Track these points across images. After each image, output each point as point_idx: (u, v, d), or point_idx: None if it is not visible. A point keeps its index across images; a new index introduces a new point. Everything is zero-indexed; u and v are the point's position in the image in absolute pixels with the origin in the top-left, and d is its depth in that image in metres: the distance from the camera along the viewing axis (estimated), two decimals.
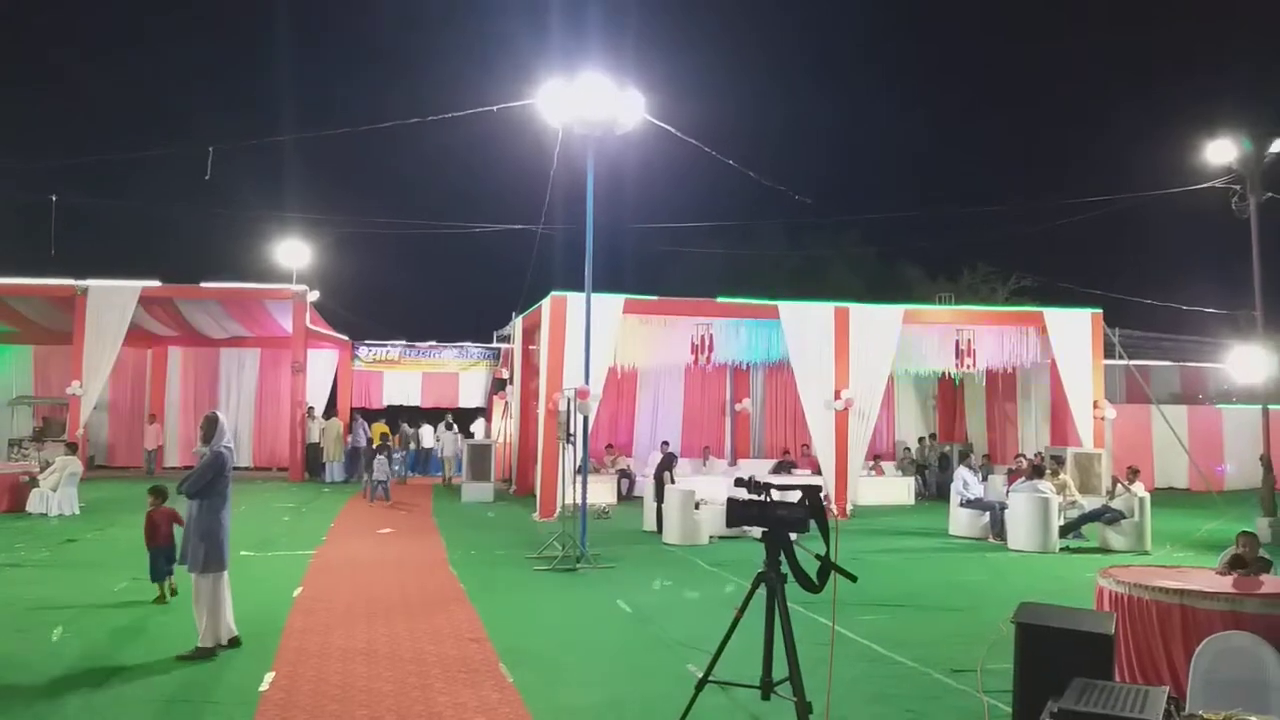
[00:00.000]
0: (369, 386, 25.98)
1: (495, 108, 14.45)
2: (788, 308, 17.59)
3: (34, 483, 15.24)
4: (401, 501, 18.07)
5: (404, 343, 26.37)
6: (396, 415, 24.97)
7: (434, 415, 25.08)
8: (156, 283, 20.87)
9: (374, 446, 20.09)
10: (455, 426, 23.38)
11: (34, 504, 14.89)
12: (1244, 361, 17.71)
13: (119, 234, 34.75)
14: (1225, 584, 6.51)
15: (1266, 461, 15.26)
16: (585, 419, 12.96)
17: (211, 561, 7.08)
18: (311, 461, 22.53)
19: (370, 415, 25.09)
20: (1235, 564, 6.86)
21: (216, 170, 15.97)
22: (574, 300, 15.57)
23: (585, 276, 13.22)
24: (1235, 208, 16.01)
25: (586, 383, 13.14)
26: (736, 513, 4.18)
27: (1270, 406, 16.27)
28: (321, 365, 24.87)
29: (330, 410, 24.38)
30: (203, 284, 21.73)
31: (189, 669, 6.55)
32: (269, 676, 6.33)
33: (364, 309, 30.39)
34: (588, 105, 12.36)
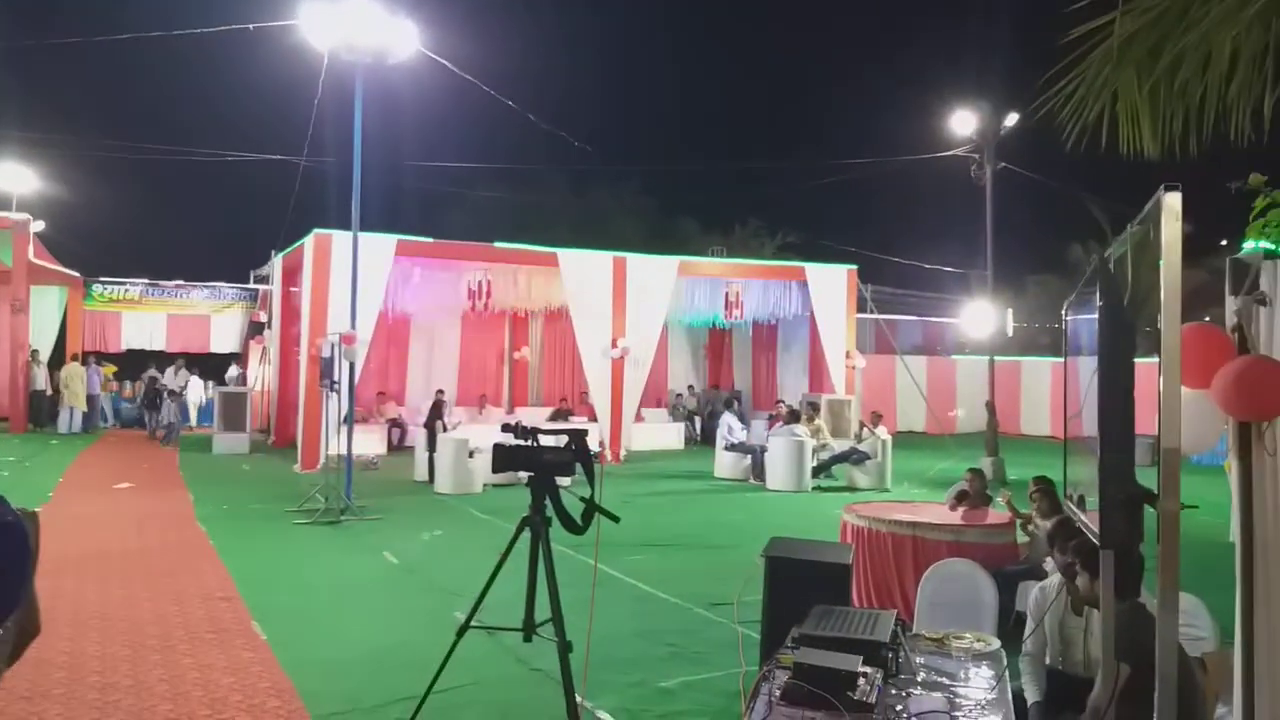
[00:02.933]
0: (104, 328, 23.48)
1: (251, 25, 13.29)
2: (568, 255, 17.59)
3: None
4: (141, 452, 16.63)
5: (146, 281, 23.99)
6: (141, 361, 22.82)
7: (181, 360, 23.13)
8: None
9: (161, 389, 18.86)
10: (195, 371, 21.76)
11: None
12: (975, 317, 19.60)
13: None
14: (952, 516, 7.21)
15: (991, 407, 17.02)
16: (352, 365, 12.41)
17: None
18: (37, 411, 20.21)
19: (105, 360, 22.77)
20: (961, 498, 7.59)
21: None
22: (340, 239, 14.79)
23: (352, 214, 12.58)
24: (974, 175, 17.53)
25: (353, 327, 12.56)
26: (503, 458, 4.10)
27: (995, 358, 18.14)
28: (47, 304, 22.21)
29: (58, 354, 21.83)
30: None
31: None
32: None
33: (99, 242, 27.36)
34: (355, 30, 11.64)
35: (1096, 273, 2.92)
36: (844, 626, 3.12)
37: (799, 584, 4.04)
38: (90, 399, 21.09)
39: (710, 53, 62.46)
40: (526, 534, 4.18)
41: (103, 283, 23.31)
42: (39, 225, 20.45)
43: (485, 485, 13.14)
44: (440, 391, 17.03)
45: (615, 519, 4.09)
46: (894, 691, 2.88)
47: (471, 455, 13.10)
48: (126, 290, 23.60)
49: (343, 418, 12.22)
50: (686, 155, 51.77)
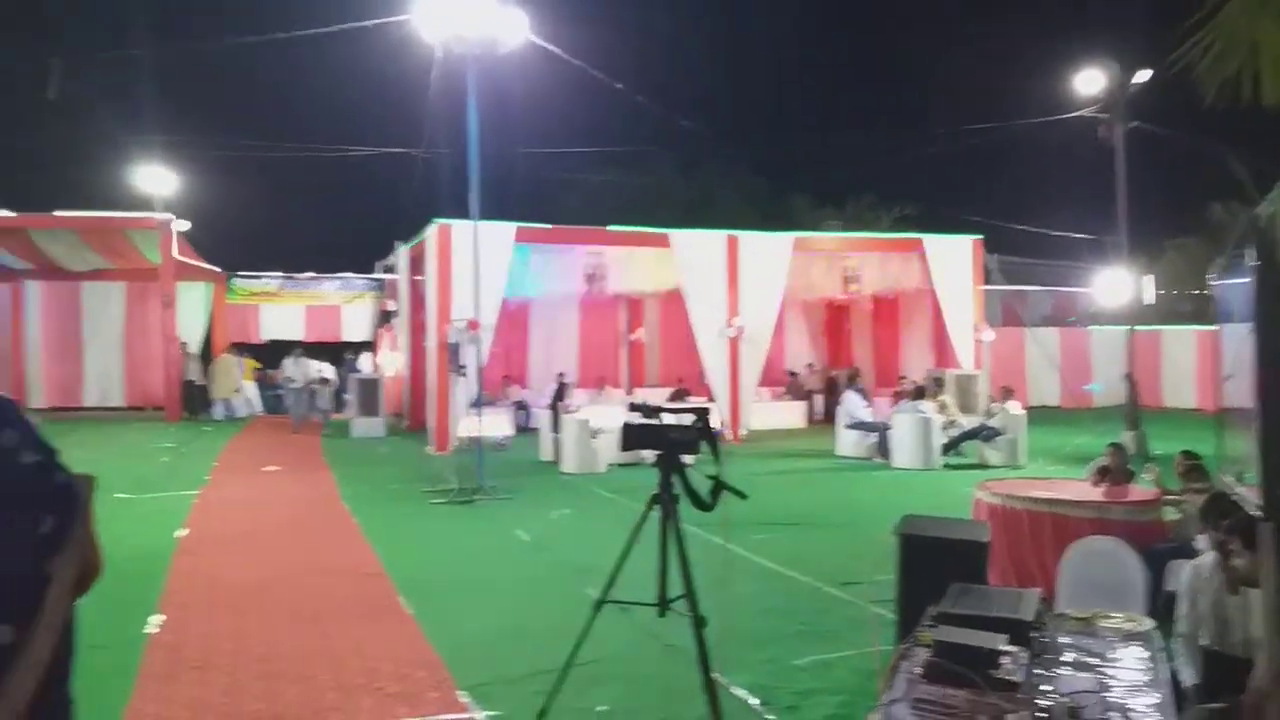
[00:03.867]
0: (246, 321, 24.90)
1: (370, 23, 13.76)
2: (679, 236, 17.61)
3: None
4: (287, 438, 17.58)
5: (282, 274, 25.31)
6: (282, 350, 24.10)
7: (318, 349, 24.28)
8: (9, 213, 19.36)
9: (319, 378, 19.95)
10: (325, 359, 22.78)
11: None
12: (1110, 285, 18.69)
13: None
14: (1093, 493, 6.95)
15: (1130, 379, 16.24)
16: (478, 350, 12.80)
17: None
18: (189, 400, 21.62)
19: (247, 351, 24.15)
20: (1103, 474, 7.30)
21: (70, 88, 14.77)
22: (460, 228, 15.20)
23: (471, 203, 12.90)
24: (1102, 136, 16.68)
25: (477, 313, 12.93)
26: (631, 436, 4.20)
27: (1134, 328, 17.28)
28: (194, 299, 23.68)
29: (207, 346, 23.35)
30: (57, 213, 20.26)
31: None
32: (156, 619, 6.12)
33: (238, 239, 28.93)
34: (466, 22, 11.90)
35: (1247, 234, 2.77)
36: (985, 605, 3.07)
37: (934, 562, 4.00)
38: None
39: (817, 23, 61.11)
40: (656, 511, 4.25)
41: (243, 277, 24.72)
42: (183, 225, 21.76)
43: (609, 465, 13.37)
44: (562, 374, 17.39)
45: (743, 496, 4.13)
46: (1040, 671, 2.83)
47: (594, 436, 13.34)
48: (265, 284, 24.96)
49: (472, 401, 12.63)
50: (797, 130, 50.92)
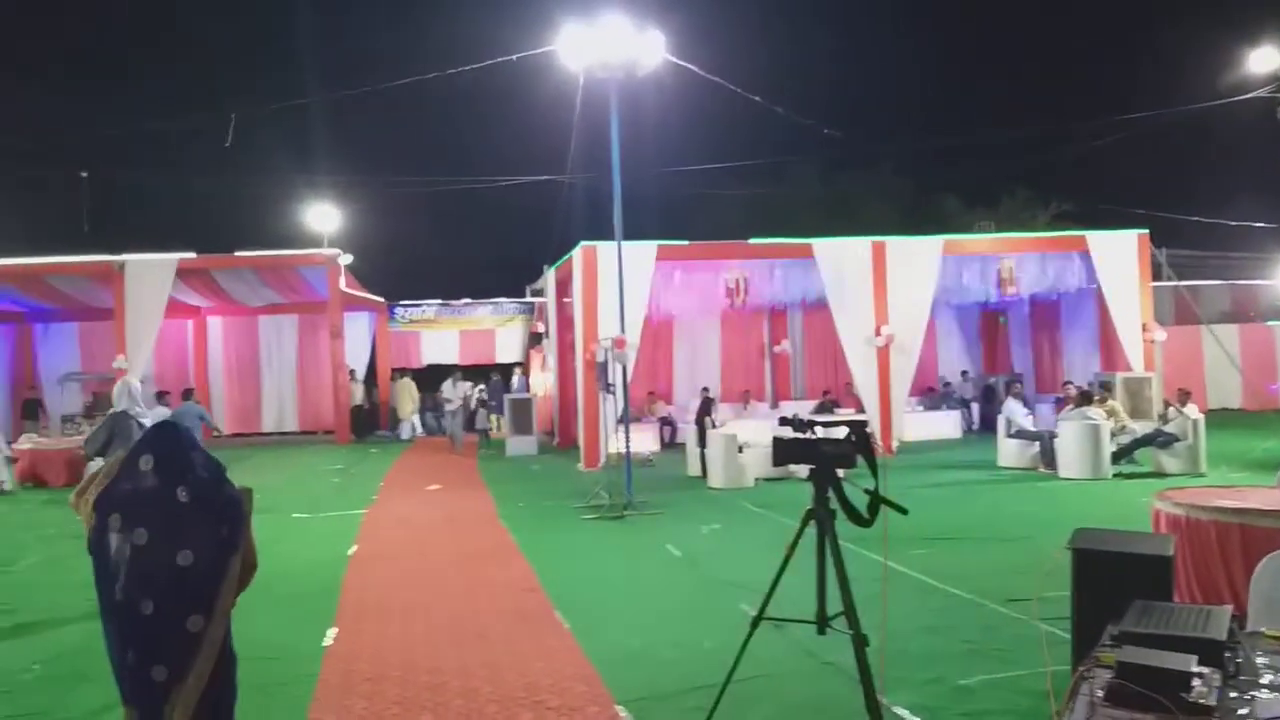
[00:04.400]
0: (408, 347, 26.21)
1: (515, 56, 14.25)
2: (822, 245, 17.35)
3: (90, 457, 15.61)
4: (447, 458, 18.27)
5: (439, 302, 26.52)
6: (440, 374, 25.23)
7: (473, 372, 25.28)
8: (192, 254, 21.08)
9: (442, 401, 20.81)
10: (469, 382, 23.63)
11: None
12: None
13: (152, 207, 35.08)
14: None
15: None
16: (624, 368, 12.96)
17: None
18: (357, 423, 22.89)
19: (408, 374, 25.47)
20: None
21: (245, 138, 15.96)
22: (604, 250, 15.51)
23: (615, 224, 13.12)
24: None
25: (622, 332, 13.11)
26: (783, 451, 4.13)
27: None
28: (359, 328, 25.10)
29: (371, 371, 24.78)
30: (236, 253, 21.91)
31: (251, 627, 6.68)
32: (332, 632, 6.47)
33: (398, 270, 30.53)
34: (608, 48, 12.15)
35: None
36: (1170, 623, 2.86)
37: (1112, 578, 3.75)
38: (395, 412, 23.99)
39: (958, 15, 59.04)
40: (811, 526, 4.18)
41: (403, 305, 26.06)
42: (348, 259, 23.10)
43: (756, 480, 13.26)
44: (706, 389, 17.40)
45: (903, 510, 4.00)
46: (1235, 694, 2.61)
47: (741, 450, 13.27)
48: (423, 311, 26.22)
49: (619, 418, 12.81)
50: (942, 130, 49.31)
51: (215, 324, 24.80)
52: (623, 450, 12.31)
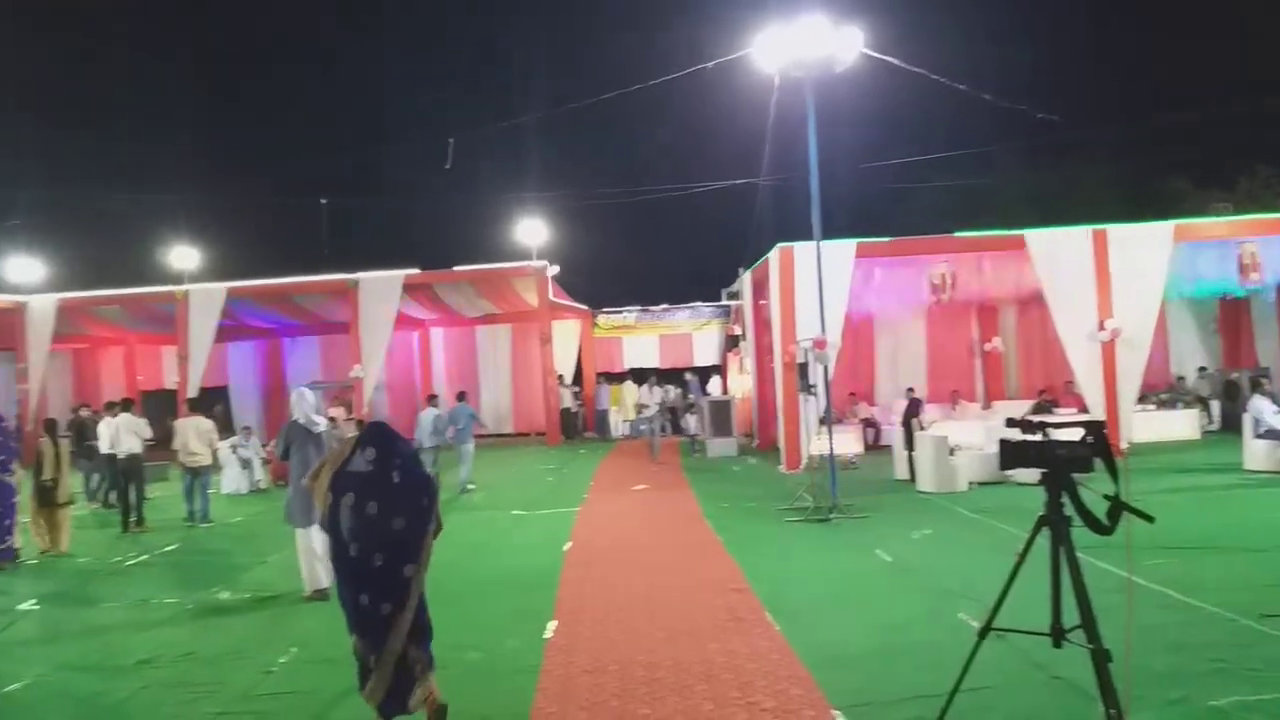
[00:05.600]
0: (611, 352, 27.02)
1: (711, 64, 14.37)
2: (1036, 236, 16.38)
3: (281, 459, 17.06)
4: (651, 461, 18.66)
5: (639, 308, 27.15)
6: (640, 379, 25.89)
7: (671, 376, 25.75)
8: (416, 270, 22.65)
9: (683, 404, 21.28)
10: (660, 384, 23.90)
11: None
12: None
13: (382, 229, 37.94)
14: None
15: None
16: (825, 369, 12.79)
17: (291, 516, 7.91)
18: (566, 426, 23.86)
19: (611, 379, 26.30)
20: None
21: (462, 160, 16.97)
22: (801, 250, 15.38)
23: (813, 224, 12.96)
24: None
25: (823, 332, 12.94)
26: (1011, 454, 3.95)
27: None
28: (566, 335, 26.13)
29: (577, 376, 25.82)
30: (455, 268, 23.34)
31: (474, 619, 7.12)
32: (552, 625, 6.80)
33: (601, 278, 31.56)
34: (804, 46, 12.04)
35: None
36: None
37: None
38: (601, 414, 24.79)
39: None
40: (1044, 534, 3.99)
41: (606, 313, 26.90)
42: (554, 270, 24.07)
43: (970, 484, 12.73)
44: (911, 389, 16.85)
45: (1149, 518, 3.75)
46: None
47: (953, 453, 12.78)
48: (624, 317, 26.95)
49: (821, 419, 12.65)
50: (1165, 107, 45.20)
51: (437, 334, 26.55)
52: (824, 452, 12.15)
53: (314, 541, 7.89)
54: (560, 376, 24.57)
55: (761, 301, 19.53)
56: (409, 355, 26.37)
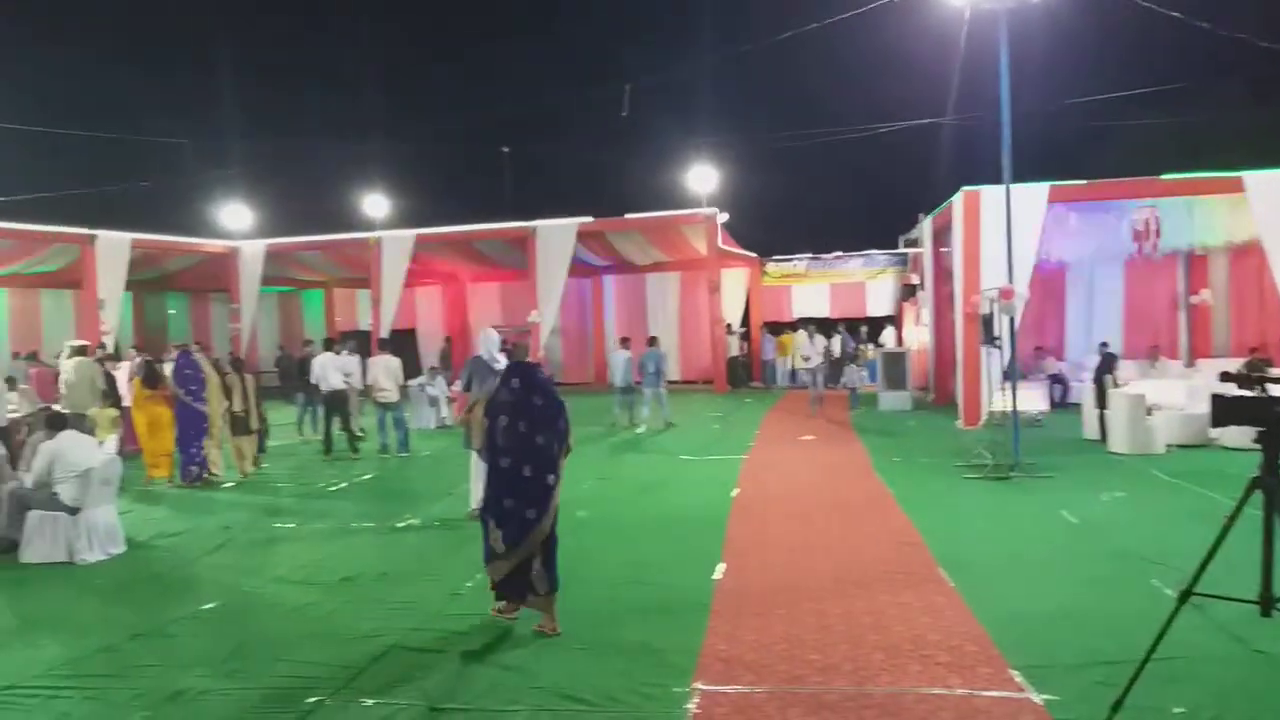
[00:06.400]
0: (779, 301, 26.72)
1: None
2: (1256, 179, 14.87)
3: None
4: (820, 411, 18.43)
5: (810, 255, 26.64)
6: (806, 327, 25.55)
7: (834, 327, 25.29)
8: (590, 219, 23.08)
9: (845, 354, 20.93)
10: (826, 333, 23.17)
11: None
12: None
13: (559, 177, 38.76)
14: None
15: None
16: (1011, 321, 12.18)
17: (468, 441, 8.14)
18: (732, 374, 23.90)
19: (779, 328, 26.06)
20: None
21: (637, 106, 17.06)
22: (988, 194, 14.62)
23: (1003, 166, 12.26)
24: None
25: (1010, 281, 12.30)
26: (1224, 411, 3.65)
27: None
28: (734, 283, 26.02)
29: (745, 324, 25.78)
30: (627, 216, 23.62)
31: (645, 556, 7.33)
32: (720, 567, 6.91)
33: (770, 225, 31.08)
34: None
35: None
36: None
37: None
38: (767, 363, 24.72)
39: None
40: (1256, 497, 3.70)
41: (775, 261, 26.56)
42: (724, 217, 23.92)
43: (1168, 446, 11.90)
44: (1105, 344, 15.80)
45: None
46: None
47: (1150, 413, 11.96)
48: (794, 265, 26.55)
49: (1004, 374, 12.10)
50: None
51: (609, 282, 27.05)
52: (1006, 409, 11.63)
53: (479, 464, 8.41)
54: (728, 325, 24.54)
55: (943, 249, 18.74)
56: (582, 302, 27.02)
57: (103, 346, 17.71)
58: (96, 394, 12.26)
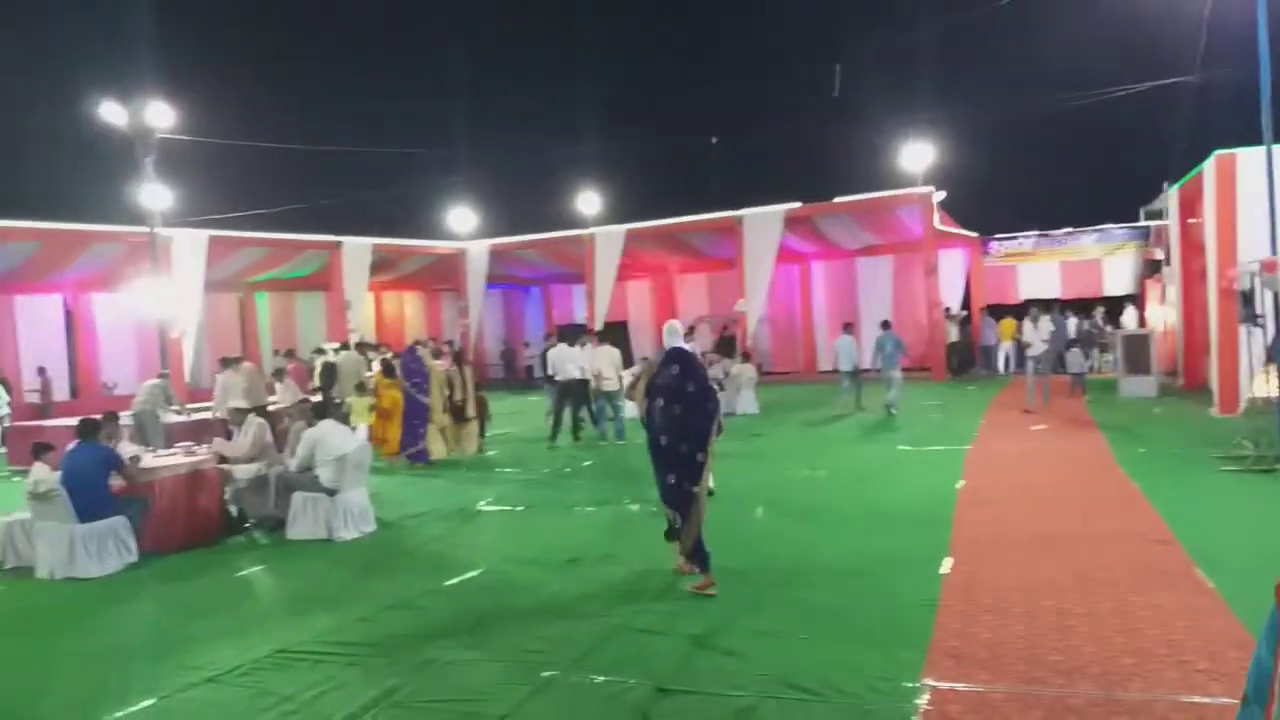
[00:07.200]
0: (1004, 282, 25.29)
1: None
2: None
3: (720, 387, 17.99)
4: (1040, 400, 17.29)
5: (1037, 233, 25.02)
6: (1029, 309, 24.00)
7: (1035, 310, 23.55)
8: (797, 204, 22.79)
9: (1069, 338, 19.64)
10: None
11: (722, 405, 17.58)
12: None
13: (765, 163, 38.38)
14: None
15: None
16: (1276, 295, 10.93)
17: None
18: (950, 360, 22.88)
19: (1001, 311, 24.57)
20: None
21: (847, 86, 16.65)
22: (1246, 158, 13.19)
23: (1263, 125, 11.04)
24: None
25: (1274, 252, 11.06)
26: None
27: None
28: (952, 265, 24.88)
29: (965, 307, 24.58)
30: (836, 200, 23.13)
31: (866, 549, 7.16)
32: (947, 561, 6.64)
33: (993, 202, 29.36)
34: None
35: None
36: None
37: None
38: (990, 349, 23.45)
39: None
40: None
41: (998, 239, 25.15)
42: (940, 195, 22.91)
43: None
44: None
45: None
46: None
47: None
48: (1019, 244, 25.03)
49: (1268, 355, 10.88)
50: None
51: (818, 268, 26.60)
52: (1270, 394, 10.44)
53: None
54: (946, 309, 23.48)
55: (1191, 220, 17.07)
56: (790, 289, 26.71)
57: (344, 345, 19.40)
58: (357, 383, 13.78)
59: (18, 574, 7.85)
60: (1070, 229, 24.56)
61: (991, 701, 4.31)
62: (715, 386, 6.56)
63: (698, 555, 6.28)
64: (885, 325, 16.82)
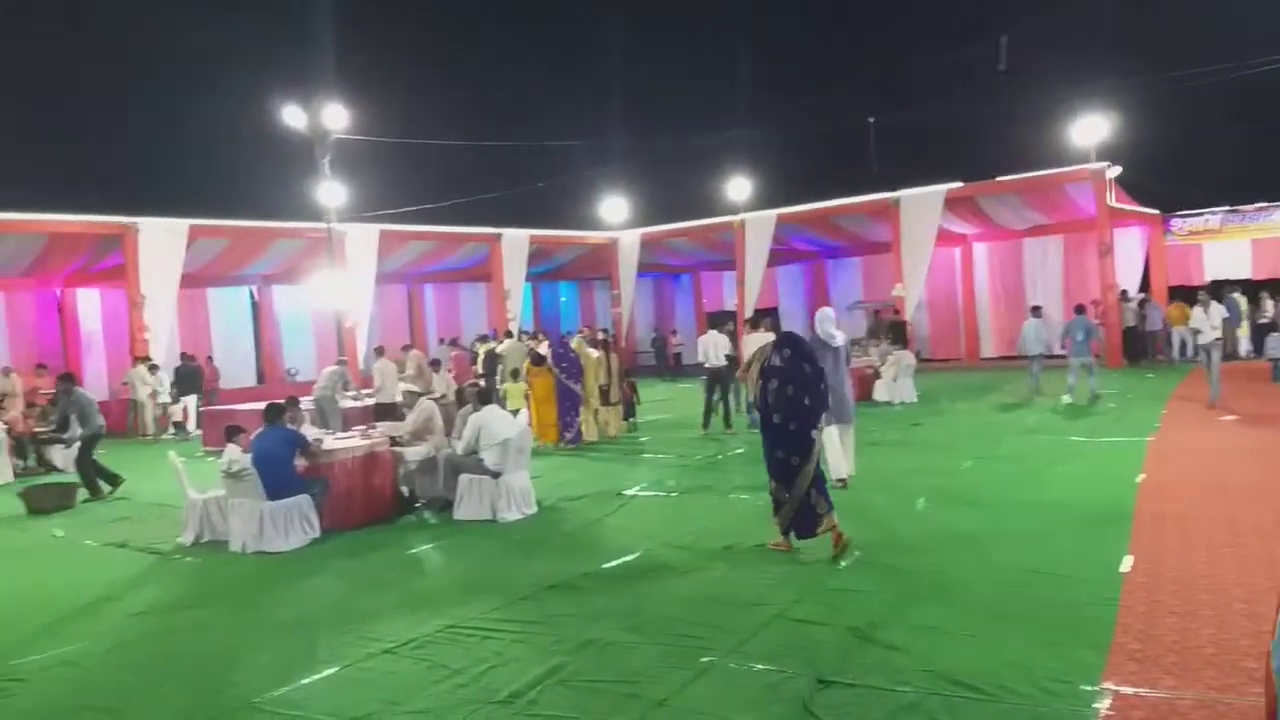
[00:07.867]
0: (1187, 261, 23.49)
1: None
2: None
3: (877, 374, 17.55)
4: (1244, 389, 15.97)
5: (1226, 208, 23.07)
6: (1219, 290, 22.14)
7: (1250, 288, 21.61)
8: (958, 184, 21.89)
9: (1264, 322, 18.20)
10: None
11: (879, 393, 17.16)
12: None
13: (926, 141, 36.95)
14: None
15: None
16: None
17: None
18: (1126, 345, 21.46)
19: (1184, 293, 22.74)
20: None
21: (1013, 57, 15.84)
22: None
23: None
24: None
25: None
26: None
27: None
28: (1129, 244, 23.31)
29: (1144, 289, 22.94)
30: (999, 178, 22.07)
31: (1040, 545, 6.82)
32: (1128, 560, 6.25)
33: (1176, 176, 27.24)
34: None
35: None
36: None
37: None
38: (1151, 334, 21.78)
39: None
40: None
41: (1181, 216, 23.36)
42: (1115, 171, 21.49)
43: None
44: None
45: None
46: None
47: None
48: (1205, 221, 23.16)
49: None
50: None
51: (980, 249, 25.50)
52: None
53: (833, 438, 8.68)
54: (1123, 291, 22.01)
55: None
56: (950, 272, 25.71)
57: (510, 334, 20.06)
58: (513, 369, 14.49)
59: (213, 548, 8.54)
60: (1264, 204, 22.52)
61: (1179, 709, 4.04)
62: (823, 367, 7.14)
63: (801, 522, 6.78)
64: (1079, 310, 16.35)
